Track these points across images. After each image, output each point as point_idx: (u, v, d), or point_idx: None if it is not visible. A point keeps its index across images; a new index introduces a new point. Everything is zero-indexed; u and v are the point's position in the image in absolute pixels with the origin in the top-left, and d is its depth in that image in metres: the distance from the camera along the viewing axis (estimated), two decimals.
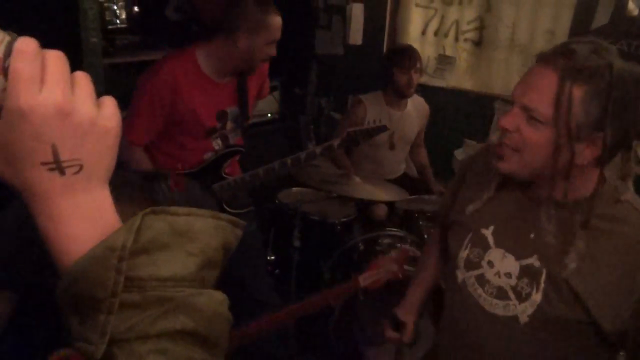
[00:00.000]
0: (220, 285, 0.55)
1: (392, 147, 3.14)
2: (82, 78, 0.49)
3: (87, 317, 0.47)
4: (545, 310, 1.21)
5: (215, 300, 0.53)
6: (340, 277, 2.68)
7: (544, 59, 1.14)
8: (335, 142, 2.12)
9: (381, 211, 2.99)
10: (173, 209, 0.50)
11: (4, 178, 0.48)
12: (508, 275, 1.26)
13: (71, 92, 0.47)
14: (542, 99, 1.11)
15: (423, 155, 3.37)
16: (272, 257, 2.96)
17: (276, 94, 3.85)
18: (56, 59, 0.47)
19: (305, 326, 2.82)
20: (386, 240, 2.69)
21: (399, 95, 3.06)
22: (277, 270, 2.95)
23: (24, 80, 0.45)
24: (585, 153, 1.13)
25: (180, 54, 2.05)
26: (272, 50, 2.07)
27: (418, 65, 2.98)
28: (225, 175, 2.21)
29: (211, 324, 0.52)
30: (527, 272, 1.24)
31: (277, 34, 2.04)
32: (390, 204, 3.02)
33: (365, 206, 2.99)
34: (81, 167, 0.47)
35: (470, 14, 3.88)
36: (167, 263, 0.49)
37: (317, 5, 4.22)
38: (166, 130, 2.08)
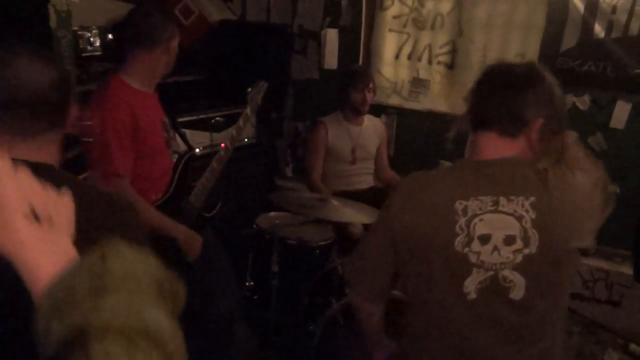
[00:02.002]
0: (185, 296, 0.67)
1: (354, 161, 3.39)
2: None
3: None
4: None
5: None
6: (319, 301, 2.66)
7: None
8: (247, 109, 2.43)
9: (357, 230, 2.99)
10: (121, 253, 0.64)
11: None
12: None
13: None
14: None
15: (391, 176, 3.54)
16: (251, 283, 2.93)
17: (253, 118, 3.86)
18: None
19: (287, 352, 2.79)
20: None
21: (355, 112, 3.35)
22: (255, 296, 2.92)
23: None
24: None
25: (113, 84, 2.12)
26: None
27: (371, 86, 3.31)
28: (192, 184, 2.32)
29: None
30: None
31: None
32: (367, 225, 3.03)
33: (342, 227, 2.99)
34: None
35: (442, 38, 3.95)
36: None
37: (292, 31, 4.27)
38: (138, 155, 2.12)
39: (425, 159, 3.81)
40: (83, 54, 3.13)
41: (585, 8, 3.41)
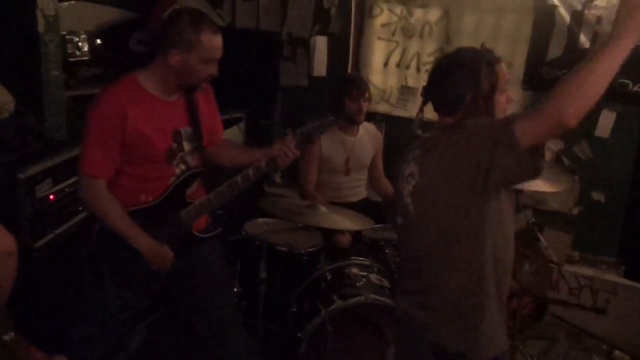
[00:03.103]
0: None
1: (347, 172, 3.25)
2: None
3: None
4: None
5: None
6: (308, 308, 2.66)
7: None
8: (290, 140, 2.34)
9: (345, 239, 2.99)
10: None
11: None
12: None
13: None
14: None
15: (386, 186, 3.40)
16: (239, 289, 2.92)
17: (241, 125, 3.86)
18: None
19: (275, 359, 2.78)
20: (353, 270, 2.69)
21: (350, 122, 3.19)
22: (243, 303, 2.91)
23: None
24: None
25: (121, 80, 2.05)
26: (212, 69, 2.08)
27: (367, 95, 3.15)
28: (189, 201, 2.17)
29: None
30: None
31: (214, 53, 2.06)
32: (355, 233, 3.03)
33: (330, 234, 2.99)
34: None
35: (430, 46, 3.99)
36: None
37: (281, 38, 4.28)
38: (125, 160, 2.04)
39: None
40: (71, 59, 3.11)
41: (571, 19, 3.46)
